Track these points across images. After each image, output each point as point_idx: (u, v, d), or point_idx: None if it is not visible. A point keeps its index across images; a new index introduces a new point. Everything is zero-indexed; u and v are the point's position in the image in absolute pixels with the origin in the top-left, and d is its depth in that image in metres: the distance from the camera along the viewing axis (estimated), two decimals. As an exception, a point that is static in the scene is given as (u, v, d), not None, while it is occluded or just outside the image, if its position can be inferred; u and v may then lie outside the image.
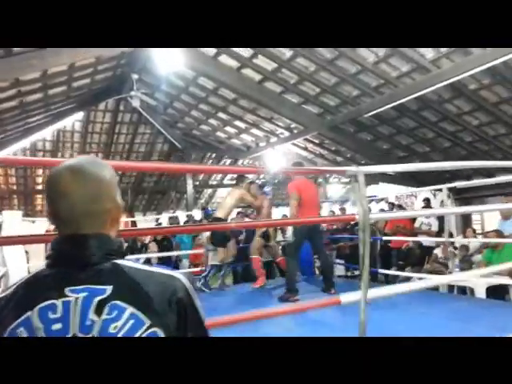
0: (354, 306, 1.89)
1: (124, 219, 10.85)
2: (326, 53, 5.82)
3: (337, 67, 6.09)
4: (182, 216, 8.84)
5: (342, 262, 6.82)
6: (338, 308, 2.05)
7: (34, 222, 6.80)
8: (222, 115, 9.01)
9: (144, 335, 0.68)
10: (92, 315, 0.67)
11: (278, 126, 8.81)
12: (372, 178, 9.90)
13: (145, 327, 0.68)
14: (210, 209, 11.95)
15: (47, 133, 9.37)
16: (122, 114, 9.92)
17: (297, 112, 7.62)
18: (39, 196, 11.12)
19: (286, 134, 9.01)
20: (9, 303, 0.71)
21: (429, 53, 5.26)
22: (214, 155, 12.04)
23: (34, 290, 0.71)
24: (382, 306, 2.71)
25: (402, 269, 6.17)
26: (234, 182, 13.76)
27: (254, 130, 9.45)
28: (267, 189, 6.10)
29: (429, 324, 3.04)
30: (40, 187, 10.96)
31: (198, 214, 8.92)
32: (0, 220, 4.29)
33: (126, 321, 0.68)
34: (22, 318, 0.68)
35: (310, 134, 8.34)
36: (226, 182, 13.57)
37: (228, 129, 9.76)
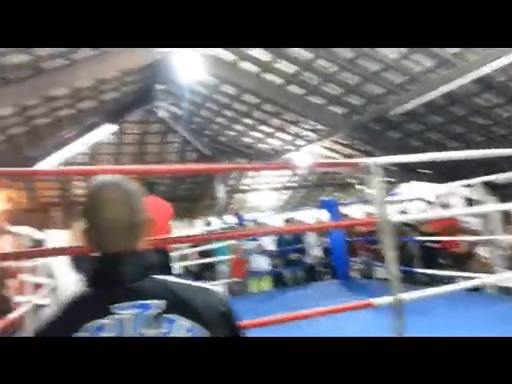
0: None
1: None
2: (346, 53, 5.71)
3: (358, 66, 5.96)
4: (215, 221, 8.97)
5: (381, 264, 6.60)
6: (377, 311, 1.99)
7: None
8: (247, 120, 9.03)
9: None
10: (145, 330, 0.68)
11: (303, 128, 8.72)
12: (403, 176, 9.58)
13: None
14: (242, 214, 12.04)
15: (83, 146, 9.75)
16: (152, 124, 10.16)
17: (321, 113, 7.51)
18: (78, 207, 11.59)
19: (313, 136, 8.90)
20: (58, 324, 0.71)
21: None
22: (243, 161, 12.07)
23: (80, 310, 0.71)
24: (419, 309, 2.59)
25: (444, 269, 5.89)
26: (265, 186, 13.83)
27: (281, 134, 9.40)
28: None
29: (471, 326, 2.86)
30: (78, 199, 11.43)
31: (230, 219, 9.00)
32: (43, 237, 4.49)
33: (184, 334, 0.69)
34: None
35: (337, 134, 8.19)
36: (256, 186, 13.59)
37: (254, 134, 9.77)
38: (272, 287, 6.58)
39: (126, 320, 0.68)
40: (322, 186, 14.12)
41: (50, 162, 9.39)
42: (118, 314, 0.68)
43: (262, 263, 6.87)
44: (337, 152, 10.00)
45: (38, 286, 4.24)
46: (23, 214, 10.81)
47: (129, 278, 0.71)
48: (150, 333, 0.67)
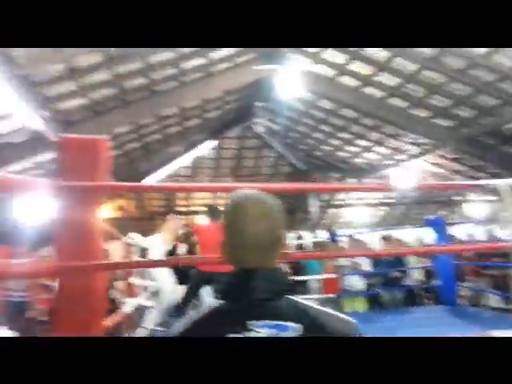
0: None
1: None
2: (456, 62, 5.34)
3: (469, 76, 5.52)
4: (307, 236, 8.91)
5: (497, 291, 5.91)
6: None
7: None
8: (343, 135, 8.89)
9: None
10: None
11: (404, 142, 8.31)
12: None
13: None
14: (335, 229, 11.80)
15: (186, 161, 10.46)
16: (248, 139, 10.53)
17: (426, 127, 7.09)
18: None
19: (415, 150, 8.42)
20: (190, 333, 0.72)
21: None
22: (336, 175, 11.88)
23: (217, 324, 0.70)
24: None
25: None
26: (360, 201, 13.41)
27: (378, 148, 9.07)
28: None
29: None
30: (180, 209, 12.24)
31: (322, 234, 8.86)
32: (149, 243, 4.87)
33: None
34: None
35: (442, 149, 7.65)
36: (351, 201, 13.24)
37: (350, 148, 9.57)
38: (367, 308, 6.27)
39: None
40: (424, 203, 13.24)
41: (158, 175, 10.23)
42: (254, 331, 0.67)
43: (356, 282, 6.60)
44: (443, 167, 9.33)
45: (142, 289, 4.55)
46: (132, 222, 11.90)
47: (266, 295, 0.69)
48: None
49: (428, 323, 4.26)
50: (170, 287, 4.48)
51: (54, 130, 5.17)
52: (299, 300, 0.74)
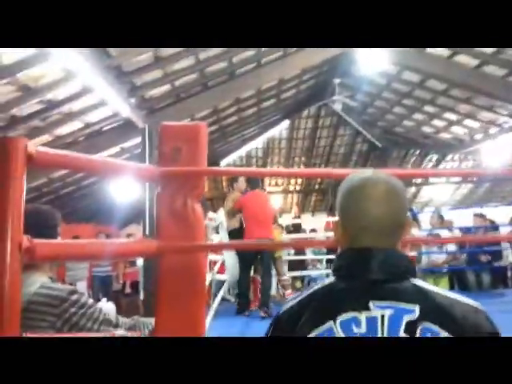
0: None
1: (326, 219, 11.24)
2: None
3: None
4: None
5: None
6: None
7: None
8: (429, 108, 8.30)
9: None
10: (402, 334, 0.64)
11: (500, 114, 7.55)
12: None
13: None
14: (414, 209, 11.22)
15: (259, 142, 10.49)
16: (323, 118, 10.26)
17: (527, 95, 6.36)
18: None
19: (510, 123, 7.64)
20: (303, 309, 0.71)
21: None
22: (417, 152, 11.22)
23: (333, 300, 0.70)
24: None
25: None
26: (440, 179, 12.62)
27: (468, 121, 8.35)
28: None
29: None
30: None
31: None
32: (219, 220, 4.94)
33: None
34: (325, 326, 0.67)
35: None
36: (431, 179, 12.48)
37: (436, 122, 8.93)
38: (449, 288, 5.83)
39: (379, 320, 0.65)
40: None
41: (234, 157, 10.40)
42: (373, 310, 0.66)
43: (438, 259, 6.16)
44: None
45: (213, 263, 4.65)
46: (207, 202, 12.30)
47: (390, 274, 0.68)
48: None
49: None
50: (233, 261, 4.56)
51: (139, 117, 5.39)
52: (422, 283, 0.71)
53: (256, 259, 4.44)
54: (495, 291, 5.69)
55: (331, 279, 0.74)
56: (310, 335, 0.67)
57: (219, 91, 6.00)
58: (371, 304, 0.66)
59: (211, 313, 3.50)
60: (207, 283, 3.76)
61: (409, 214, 7.12)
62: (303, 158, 11.52)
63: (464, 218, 8.40)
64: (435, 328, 0.64)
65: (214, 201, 12.87)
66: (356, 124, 9.86)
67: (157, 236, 1.51)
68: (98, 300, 1.87)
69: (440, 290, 0.72)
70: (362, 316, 0.66)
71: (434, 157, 11.11)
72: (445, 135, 9.47)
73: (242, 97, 6.87)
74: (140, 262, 5.72)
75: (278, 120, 9.37)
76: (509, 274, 6.56)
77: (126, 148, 6.74)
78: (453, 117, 8.35)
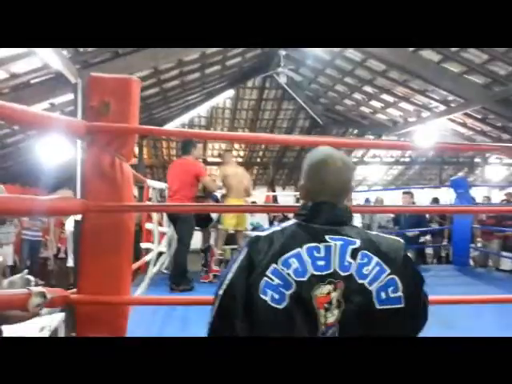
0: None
1: (266, 193, 11.37)
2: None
3: None
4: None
5: (510, 254, 5.98)
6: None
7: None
8: (368, 88, 8.57)
9: (385, 280, 0.88)
10: (349, 258, 0.88)
11: (432, 99, 7.99)
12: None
13: (386, 274, 0.89)
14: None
15: (202, 109, 10.25)
16: (268, 90, 10.22)
17: (457, 83, 6.77)
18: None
19: (442, 107, 8.12)
20: (272, 239, 0.93)
21: None
22: (355, 131, 11.63)
23: (300, 234, 0.93)
24: None
25: None
26: (376, 159, 13.21)
27: (404, 104, 8.76)
28: None
29: None
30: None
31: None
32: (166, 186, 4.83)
33: (373, 267, 0.88)
34: (294, 251, 0.89)
35: (472, 107, 7.36)
36: (366, 159, 13.07)
37: (373, 103, 9.26)
38: None
39: (333, 248, 0.89)
40: (441, 163, 13.02)
41: (174, 124, 10.08)
42: (329, 242, 0.90)
43: None
44: (467, 127, 9.05)
45: (162, 235, 4.58)
46: (147, 170, 11.92)
47: (337, 220, 0.95)
48: (352, 262, 0.88)
49: (444, 282, 4.28)
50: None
51: (72, 72, 5.01)
52: (358, 226, 0.99)
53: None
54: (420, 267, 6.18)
55: (294, 221, 0.98)
56: (282, 257, 0.89)
57: (161, 50, 5.71)
58: (327, 237, 0.91)
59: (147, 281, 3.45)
60: (155, 255, 3.65)
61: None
62: (247, 130, 11.47)
63: (394, 198, 8.95)
64: (370, 254, 0.90)
65: (153, 168, 12.51)
66: (299, 99, 9.94)
67: (82, 194, 1.42)
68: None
69: (372, 232, 1.01)
70: (321, 245, 0.90)
71: (371, 137, 11.58)
72: (381, 116, 9.87)
73: (185, 59, 6.61)
74: (69, 226, 5.44)
75: (222, 88, 9.17)
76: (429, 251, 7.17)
77: (58, 104, 6.26)
78: (389, 98, 8.70)
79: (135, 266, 3.15)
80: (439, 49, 6.18)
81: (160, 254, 4.51)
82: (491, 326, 2.64)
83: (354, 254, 0.88)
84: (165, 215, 4.66)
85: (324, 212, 0.95)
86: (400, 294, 0.88)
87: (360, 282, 0.87)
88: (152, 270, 3.64)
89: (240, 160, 12.41)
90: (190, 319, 2.65)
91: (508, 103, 6.79)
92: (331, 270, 0.87)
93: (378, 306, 0.86)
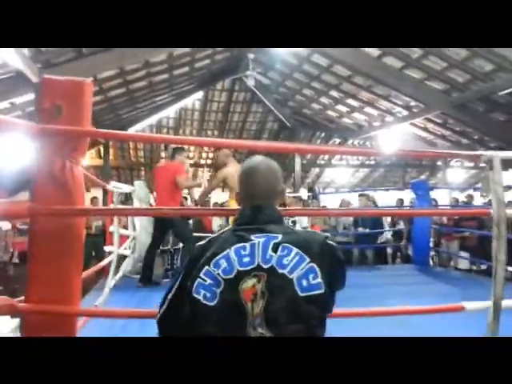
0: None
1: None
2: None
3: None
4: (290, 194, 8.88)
5: (467, 255, 6.21)
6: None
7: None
8: (334, 93, 8.75)
9: (305, 268, 0.95)
10: (270, 252, 0.97)
11: (395, 104, 8.26)
12: (506, 164, 8.77)
13: (306, 262, 0.96)
14: (316, 189, 11.91)
15: (171, 111, 10.15)
16: (237, 93, 10.25)
17: (418, 89, 7.03)
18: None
19: (405, 112, 8.40)
20: (210, 245, 1.03)
21: None
22: (322, 134, 11.84)
23: (231, 237, 1.02)
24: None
25: None
26: (342, 162, 13.46)
27: (368, 109, 9.00)
28: None
29: None
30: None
31: (304, 193, 8.93)
32: (132, 189, 4.82)
33: (293, 257, 0.97)
34: (224, 253, 0.98)
35: (433, 112, 7.66)
36: (334, 162, 13.31)
37: (339, 107, 9.47)
38: None
39: (257, 245, 0.98)
40: (404, 166, 13.44)
41: (142, 125, 9.95)
42: (253, 240, 0.99)
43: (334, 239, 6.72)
44: (428, 131, 9.39)
45: (124, 237, 4.52)
46: (113, 171, 11.68)
47: (264, 219, 1.04)
48: (274, 255, 0.96)
49: (403, 281, 4.44)
50: (145, 236, 4.49)
51: (33, 71, 4.87)
52: (284, 223, 1.09)
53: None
54: (379, 266, 6.36)
55: (230, 227, 1.09)
56: (214, 259, 0.98)
57: (127, 50, 5.63)
58: (252, 236, 1.00)
59: (110, 285, 3.38)
60: (114, 257, 3.60)
61: (311, 193, 7.56)
62: (216, 132, 11.45)
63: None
64: (291, 246, 0.98)
65: (120, 170, 12.27)
66: (268, 102, 10.02)
67: (31, 198, 1.40)
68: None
69: (295, 228, 1.15)
70: (248, 244, 0.99)
71: (337, 140, 11.82)
72: (347, 120, 10.10)
73: (152, 60, 6.55)
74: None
75: (191, 90, 9.13)
76: (389, 251, 7.39)
77: (18, 104, 6.06)
78: (355, 103, 8.92)
79: (95, 269, 3.10)
80: (401, 56, 6.41)
81: (124, 257, 4.45)
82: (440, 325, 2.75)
83: (275, 248, 0.97)
84: (129, 217, 4.61)
85: (253, 214, 1.05)
86: (319, 280, 0.95)
87: (281, 271, 0.94)
88: (113, 274, 3.59)
89: (209, 162, 12.39)
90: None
91: (465, 109, 7.10)
92: (255, 265, 0.95)
93: (300, 294, 0.93)
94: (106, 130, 2.26)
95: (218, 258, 0.98)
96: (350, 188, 13.84)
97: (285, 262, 0.95)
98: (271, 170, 1.10)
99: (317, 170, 13.65)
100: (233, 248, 0.98)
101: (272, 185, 1.09)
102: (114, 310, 1.98)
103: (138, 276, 4.78)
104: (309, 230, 1.17)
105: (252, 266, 0.95)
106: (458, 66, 6.21)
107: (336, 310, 1.08)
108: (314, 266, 0.96)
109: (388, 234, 7.33)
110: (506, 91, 6.01)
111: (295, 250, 0.97)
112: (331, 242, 1.05)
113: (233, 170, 4.09)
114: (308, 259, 0.96)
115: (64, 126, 1.36)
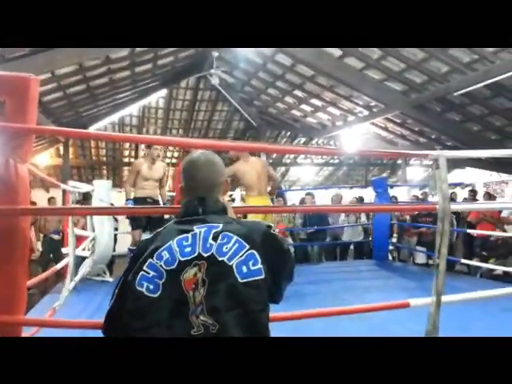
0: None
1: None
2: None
3: (425, 41, 5.63)
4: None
5: (423, 249, 6.51)
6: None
7: (120, 191, 7.36)
8: (298, 93, 8.86)
9: (245, 255, 0.98)
10: (211, 241, 0.99)
11: (357, 104, 8.46)
12: (458, 162, 9.19)
13: (245, 249, 0.99)
14: (282, 187, 12.01)
15: (134, 109, 9.95)
16: (202, 91, 10.17)
17: (378, 89, 7.22)
18: (126, 168, 11.91)
19: (366, 112, 8.62)
20: (155, 239, 1.05)
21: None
22: (288, 133, 11.96)
23: (174, 229, 1.04)
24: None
25: (485, 260, 5.78)
26: (307, 160, 13.65)
27: (331, 109, 9.17)
28: None
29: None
30: (127, 160, 11.77)
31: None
32: (91, 188, 4.70)
33: (233, 244, 0.99)
34: (166, 245, 1.00)
35: (392, 112, 7.89)
36: (299, 160, 13.48)
37: (304, 107, 9.59)
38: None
39: (198, 234, 1.00)
40: (367, 165, 13.80)
41: (103, 123, 9.69)
42: (195, 230, 1.01)
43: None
44: (388, 131, 9.68)
45: (83, 238, 4.41)
46: (73, 170, 11.32)
47: (206, 210, 1.07)
48: (213, 243, 0.98)
49: (363, 276, 4.57)
50: (106, 236, 4.39)
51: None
52: (226, 215, 1.11)
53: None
54: (339, 262, 6.52)
55: (174, 219, 1.10)
56: (157, 251, 1.00)
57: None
58: (194, 227, 1.02)
59: (69, 287, 3.28)
60: (71, 259, 3.49)
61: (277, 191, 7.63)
62: (181, 131, 11.33)
63: (323, 197, 9.32)
64: (231, 234, 1.00)
65: (80, 169, 11.91)
66: (234, 101, 10.01)
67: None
68: None
69: (241, 219, 1.16)
70: (189, 234, 1.01)
71: (302, 140, 11.97)
72: (311, 120, 10.25)
73: (113, 56, 6.40)
74: None
75: (155, 87, 8.98)
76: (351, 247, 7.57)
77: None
78: (318, 103, 9.06)
79: (49, 272, 3.00)
80: (362, 56, 6.56)
81: (83, 259, 4.33)
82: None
83: (215, 237, 0.99)
84: (88, 218, 4.49)
85: (194, 206, 1.08)
86: (260, 266, 0.97)
87: (220, 259, 0.96)
88: (72, 276, 3.48)
89: (174, 161, 12.24)
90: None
91: (423, 109, 7.37)
92: (196, 254, 0.97)
93: (240, 280, 0.95)
94: (53, 127, 2.19)
95: (160, 250, 0.99)
96: (314, 186, 14.08)
97: (224, 250, 0.97)
98: (210, 163, 1.13)
99: (283, 168, 13.78)
100: (175, 239, 1.00)
101: (212, 177, 1.12)
102: (62, 320, 1.88)
103: (99, 277, 4.68)
104: (253, 220, 1.14)
105: (193, 256, 0.97)
106: (415, 67, 6.43)
107: (283, 312, 1.11)
108: (254, 252, 0.98)
109: (349, 231, 7.46)
110: (460, 92, 6.27)
111: (235, 237, 1.00)
112: (274, 232, 1.08)
113: (241, 165, 3.91)
114: (248, 246, 0.99)
115: (7, 123, 1.31)
